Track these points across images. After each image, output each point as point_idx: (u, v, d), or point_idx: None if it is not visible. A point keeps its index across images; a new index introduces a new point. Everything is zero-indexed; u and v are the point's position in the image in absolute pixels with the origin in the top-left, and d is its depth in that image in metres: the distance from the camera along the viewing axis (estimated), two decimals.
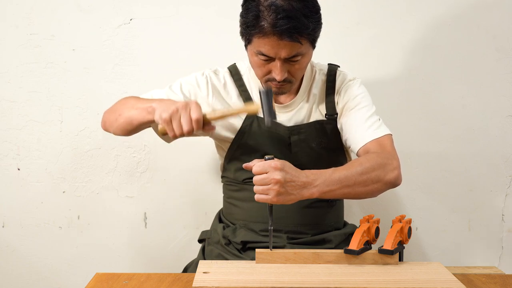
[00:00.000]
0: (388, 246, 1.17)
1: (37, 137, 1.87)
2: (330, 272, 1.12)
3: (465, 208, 1.92)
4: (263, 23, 1.24)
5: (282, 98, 1.45)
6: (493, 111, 1.88)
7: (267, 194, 1.14)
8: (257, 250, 1.19)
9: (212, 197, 1.87)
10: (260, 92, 1.25)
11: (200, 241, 1.57)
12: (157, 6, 1.82)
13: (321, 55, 1.51)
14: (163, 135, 1.27)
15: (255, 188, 1.15)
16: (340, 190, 1.20)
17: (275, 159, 1.15)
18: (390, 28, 1.84)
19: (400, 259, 1.21)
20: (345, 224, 1.55)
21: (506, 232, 1.93)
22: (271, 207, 1.19)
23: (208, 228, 1.58)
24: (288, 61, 1.30)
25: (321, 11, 1.30)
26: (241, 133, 1.43)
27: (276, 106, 1.44)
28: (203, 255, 1.50)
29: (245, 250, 1.40)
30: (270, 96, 1.23)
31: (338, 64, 1.51)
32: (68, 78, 1.85)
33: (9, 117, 1.86)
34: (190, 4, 1.82)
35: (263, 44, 1.26)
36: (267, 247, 1.20)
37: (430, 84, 1.86)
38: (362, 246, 1.18)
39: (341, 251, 1.18)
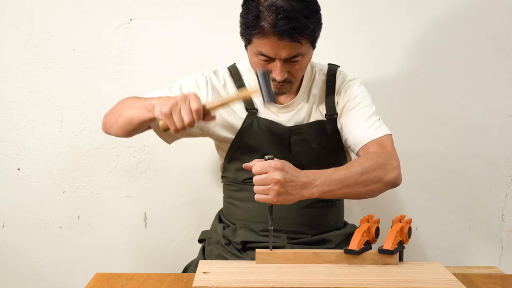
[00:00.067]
0: (388, 246, 1.17)
1: (37, 137, 1.87)
2: (330, 272, 1.12)
3: (465, 208, 1.92)
4: (263, 23, 1.24)
5: (282, 98, 1.45)
6: (493, 111, 1.88)
7: (267, 194, 1.14)
8: (257, 250, 1.19)
9: (212, 197, 1.87)
10: (257, 74, 1.25)
11: (200, 241, 1.57)
12: (157, 6, 1.82)
13: (321, 55, 1.51)
14: (165, 131, 1.25)
15: (255, 188, 1.15)
16: (340, 190, 1.20)
17: (275, 159, 1.15)
18: (390, 28, 1.84)
19: (400, 259, 1.21)
20: (345, 224, 1.55)
21: (506, 232, 1.93)
22: (271, 207, 1.19)
23: (208, 228, 1.58)
24: (288, 61, 1.30)
25: (321, 11, 1.30)
26: (241, 133, 1.43)
27: (276, 106, 1.44)
28: (203, 255, 1.50)
29: (245, 250, 1.40)
30: (267, 76, 1.23)
31: (338, 64, 1.51)
32: (68, 78, 1.85)
33: (9, 117, 1.86)
34: (190, 4, 1.82)
35: (263, 45, 1.26)
36: (267, 247, 1.20)
37: (430, 84, 1.86)
38: (362, 246, 1.18)
39: (341, 251, 1.18)
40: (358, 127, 1.38)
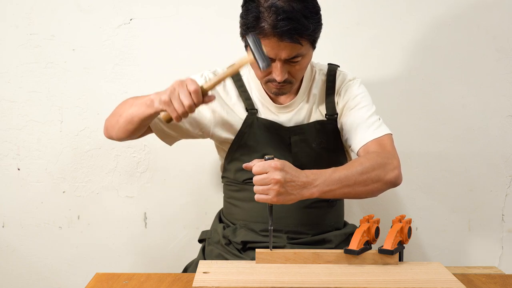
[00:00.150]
0: (388, 246, 1.17)
1: (37, 137, 1.87)
2: (330, 272, 1.12)
3: (465, 208, 1.92)
4: (263, 24, 1.24)
5: (282, 98, 1.45)
6: (493, 111, 1.88)
7: (267, 194, 1.14)
8: (257, 250, 1.19)
9: (212, 197, 1.87)
10: (246, 41, 1.22)
11: (200, 241, 1.57)
12: (157, 6, 1.82)
13: (321, 55, 1.50)
14: (168, 122, 1.24)
15: (255, 188, 1.15)
16: (340, 190, 1.20)
17: (275, 159, 1.15)
18: (390, 28, 1.84)
19: (400, 259, 1.21)
20: (345, 224, 1.55)
21: (506, 232, 1.93)
22: (271, 207, 1.19)
23: (208, 228, 1.58)
24: (289, 62, 1.30)
25: (321, 12, 1.30)
26: (241, 133, 1.43)
27: (276, 106, 1.44)
28: (203, 255, 1.50)
29: (245, 250, 1.40)
30: (257, 41, 1.20)
31: (338, 64, 1.51)
32: (68, 78, 1.85)
33: (9, 117, 1.86)
34: (190, 4, 1.82)
35: (263, 45, 1.26)
36: (267, 247, 1.20)
37: (430, 84, 1.86)
38: (362, 246, 1.18)
39: (341, 251, 1.18)
40: (358, 126, 1.38)
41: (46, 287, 1.93)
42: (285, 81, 1.33)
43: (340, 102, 1.45)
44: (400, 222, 1.24)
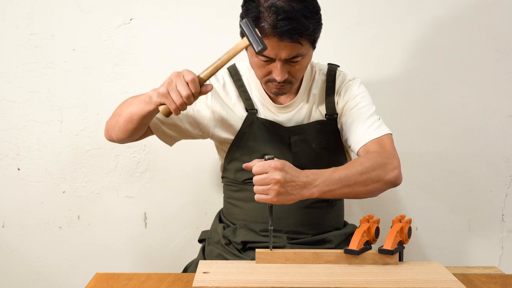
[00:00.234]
0: (388, 246, 1.17)
1: (37, 137, 1.87)
2: (330, 272, 1.12)
3: (465, 208, 1.92)
4: (263, 24, 1.24)
5: (282, 98, 1.45)
6: (493, 111, 1.88)
7: (267, 194, 1.14)
8: (257, 250, 1.19)
9: (212, 197, 1.87)
10: (240, 25, 1.21)
11: (200, 241, 1.57)
12: (157, 6, 1.82)
13: (321, 55, 1.51)
14: (167, 116, 1.23)
15: (255, 188, 1.15)
16: (340, 189, 1.20)
17: (275, 159, 1.15)
18: (390, 28, 1.84)
19: (400, 259, 1.21)
20: (345, 224, 1.55)
21: (506, 232, 1.93)
22: (271, 207, 1.19)
23: (208, 228, 1.58)
24: (289, 62, 1.30)
25: (321, 12, 1.30)
26: (241, 134, 1.43)
27: (276, 106, 1.44)
28: (203, 255, 1.50)
29: (245, 250, 1.40)
30: (251, 25, 1.19)
31: (338, 64, 1.51)
32: (68, 78, 1.85)
33: (9, 117, 1.86)
34: (190, 4, 1.82)
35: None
36: (267, 247, 1.20)
37: (430, 84, 1.86)
38: (362, 246, 1.18)
39: (341, 251, 1.18)
40: (358, 126, 1.38)
41: (46, 287, 1.93)
42: (285, 81, 1.33)
43: (340, 102, 1.45)
44: (400, 222, 1.24)
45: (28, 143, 1.87)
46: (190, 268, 1.49)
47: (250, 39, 1.18)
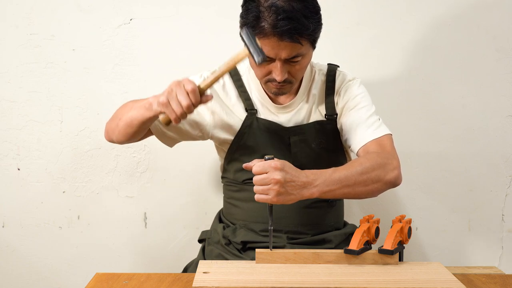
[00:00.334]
0: (388, 246, 1.17)
1: (37, 137, 1.87)
2: (330, 272, 1.12)
3: (465, 208, 1.92)
4: (263, 24, 1.24)
5: (281, 98, 1.45)
6: (493, 111, 1.88)
7: (267, 194, 1.14)
8: (257, 250, 1.19)
9: (212, 197, 1.87)
10: (241, 35, 1.21)
11: (200, 241, 1.57)
12: (157, 6, 1.82)
13: (321, 55, 1.50)
14: (167, 124, 1.24)
15: (255, 188, 1.15)
16: (340, 190, 1.20)
17: (275, 159, 1.15)
18: (390, 28, 1.84)
19: (400, 259, 1.21)
20: (345, 224, 1.55)
21: (506, 232, 1.93)
22: (271, 207, 1.19)
23: (208, 228, 1.58)
24: (288, 61, 1.30)
25: (321, 12, 1.30)
26: (241, 134, 1.43)
27: (275, 106, 1.44)
28: (203, 255, 1.50)
29: (245, 250, 1.40)
30: (251, 35, 1.19)
31: (338, 64, 1.51)
32: (68, 78, 1.85)
33: (9, 117, 1.86)
34: (190, 4, 1.82)
35: (263, 45, 1.26)
36: (267, 247, 1.20)
37: (430, 84, 1.86)
38: (362, 246, 1.18)
39: (341, 251, 1.18)
40: (358, 127, 1.38)
41: (46, 287, 1.93)
42: (285, 81, 1.33)
43: (339, 102, 1.45)
44: (400, 222, 1.24)
45: (28, 143, 1.87)
46: (190, 268, 1.49)
47: (250, 49, 1.18)
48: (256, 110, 1.43)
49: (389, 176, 1.26)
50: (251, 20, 1.26)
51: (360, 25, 1.84)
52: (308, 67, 1.46)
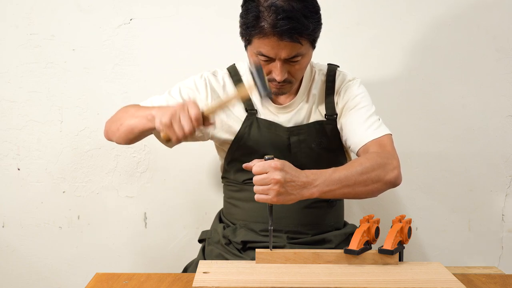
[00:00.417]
0: (388, 246, 1.17)
1: (37, 137, 1.87)
2: (330, 272, 1.12)
3: (465, 208, 1.92)
4: (263, 23, 1.24)
5: (281, 98, 1.45)
6: (493, 111, 1.88)
7: (267, 194, 1.14)
8: (257, 250, 1.19)
9: (212, 197, 1.87)
10: (250, 71, 1.23)
11: (200, 241, 1.57)
12: (157, 6, 1.82)
13: (321, 55, 1.51)
14: (167, 141, 1.26)
15: (255, 188, 1.15)
16: (340, 190, 1.20)
17: (275, 159, 1.15)
18: (390, 28, 1.84)
19: (400, 259, 1.21)
20: (345, 224, 1.55)
21: (506, 232, 1.93)
22: (271, 207, 1.19)
23: (208, 228, 1.58)
24: (288, 61, 1.30)
25: (321, 12, 1.30)
26: (241, 134, 1.43)
27: (275, 107, 1.44)
28: (203, 255, 1.50)
29: (245, 250, 1.40)
30: (261, 71, 1.22)
31: (338, 64, 1.51)
32: (68, 78, 1.85)
33: (9, 117, 1.86)
34: (190, 4, 1.82)
35: (263, 45, 1.26)
36: (267, 247, 1.20)
37: (430, 84, 1.86)
38: (362, 246, 1.18)
39: (341, 251, 1.18)
40: (358, 127, 1.38)
41: (46, 287, 1.93)
42: (284, 81, 1.33)
43: (339, 102, 1.45)
44: (400, 222, 1.24)
45: (28, 143, 1.87)
46: (190, 268, 1.49)
47: (258, 84, 1.21)
48: (256, 110, 1.43)
49: (389, 176, 1.26)
50: (250, 20, 1.26)
51: (360, 25, 1.84)
52: (308, 67, 1.46)
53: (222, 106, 1.26)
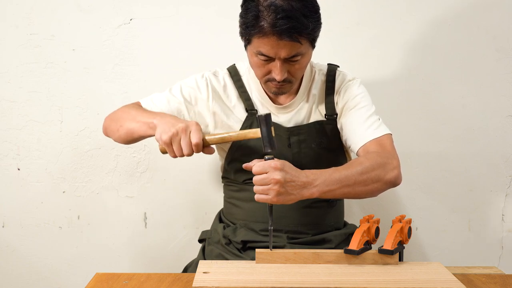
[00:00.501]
0: (388, 246, 1.17)
1: (37, 137, 1.87)
2: (330, 272, 1.12)
3: (465, 208, 1.92)
4: (262, 23, 1.24)
5: (281, 98, 1.45)
6: (493, 111, 1.88)
7: (267, 194, 1.14)
8: (257, 250, 1.19)
9: (212, 197, 1.87)
10: (258, 119, 1.21)
11: (200, 241, 1.57)
12: (157, 6, 1.82)
13: (321, 55, 1.51)
14: (163, 153, 1.28)
15: (255, 188, 1.15)
16: (340, 189, 1.20)
17: (275, 159, 1.15)
18: (390, 28, 1.84)
19: (400, 259, 1.21)
20: (345, 224, 1.55)
21: (506, 232, 1.93)
22: (271, 207, 1.19)
23: (208, 228, 1.58)
24: (288, 61, 1.30)
25: (321, 11, 1.30)
26: None
27: (275, 107, 1.44)
28: (203, 255, 1.50)
29: (245, 250, 1.40)
30: (268, 121, 1.20)
31: (338, 64, 1.51)
32: (68, 78, 1.85)
33: (9, 117, 1.86)
34: (190, 4, 1.82)
35: (263, 44, 1.26)
36: (267, 247, 1.20)
37: (430, 84, 1.86)
38: (362, 246, 1.18)
39: (341, 251, 1.18)
40: (358, 127, 1.38)
41: (46, 287, 1.93)
42: (284, 80, 1.33)
43: (339, 102, 1.45)
44: (400, 222, 1.24)
45: (28, 143, 1.87)
46: (190, 268, 1.49)
47: (263, 136, 1.20)
48: (256, 110, 1.43)
49: (389, 175, 1.26)
50: (250, 20, 1.26)
51: (360, 25, 1.84)
52: (308, 67, 1.46)
53: (225, 140, 1.27)
